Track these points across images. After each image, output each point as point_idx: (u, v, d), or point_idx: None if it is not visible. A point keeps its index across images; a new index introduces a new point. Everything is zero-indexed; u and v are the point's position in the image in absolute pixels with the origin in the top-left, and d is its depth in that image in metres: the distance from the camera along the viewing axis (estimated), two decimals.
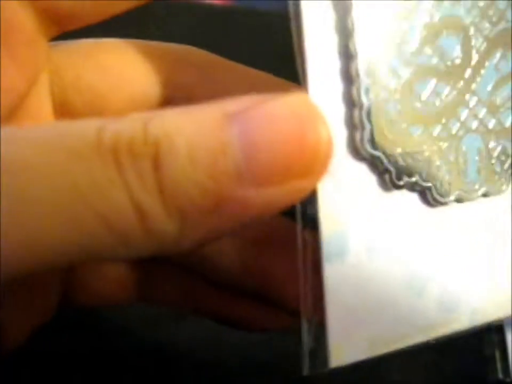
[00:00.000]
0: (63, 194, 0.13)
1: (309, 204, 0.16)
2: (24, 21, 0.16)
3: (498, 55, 0.17)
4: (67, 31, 0.17)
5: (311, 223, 0.16)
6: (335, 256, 0.16)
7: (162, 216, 0.13)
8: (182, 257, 0.20)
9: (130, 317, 0.25)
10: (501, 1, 0.17)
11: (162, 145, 0.13)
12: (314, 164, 0.14)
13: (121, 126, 0.14)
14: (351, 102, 0.15)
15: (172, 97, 0.19)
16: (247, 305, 0.20)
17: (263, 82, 0.20)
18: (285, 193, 0.14)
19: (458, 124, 0.17)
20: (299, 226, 0.16)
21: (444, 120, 0.16)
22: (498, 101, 0.17)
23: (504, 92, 0.17)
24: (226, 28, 0.31)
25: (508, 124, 0.17)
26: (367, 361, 0.17)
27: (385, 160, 0.16)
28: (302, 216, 0.16)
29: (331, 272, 0.16)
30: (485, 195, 0.17)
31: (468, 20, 0.17)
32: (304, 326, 0.16)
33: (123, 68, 0.19)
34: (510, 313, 0.18)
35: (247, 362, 0.25)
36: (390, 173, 0.16)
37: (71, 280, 0.20)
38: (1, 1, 0.16)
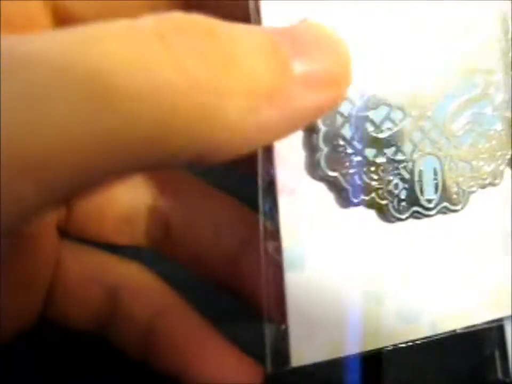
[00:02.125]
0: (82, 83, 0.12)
1: (271, 218, 0.18)
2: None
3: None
4: None
5: (273, 235, 0.18)
6: (295, 266, 0.17)
7: (227, 92, 0.13)
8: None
9: None
10: None
11: (214, 26, 0.14)
12: (348, 74, 0.16)
13: (157, 16, 0.13)
14: (310, 126, 0.17)
15: None
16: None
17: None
18: (326, 100, 0.15)
19: (412, 146, 0.18)
20: (261, 238, 0.18)
21: (398, 143, 0.18)
22: (454, 126, 0.19)
23: (461, 118, 0.19)
24: None
25: (465, 148, 0.19)
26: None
27: (341, 180, 0.17)
28: (264, 229, 0.18)
29: (291, 280, 0.17)
30: (442, 212, 0.19)
31: None
32: (267, 328, 0.18)
33: None
34: (473, 322, 0.19)
35: None
36: (347, 191, 0.18)
37: (50, 298, 0.21)
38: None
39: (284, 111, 0.15)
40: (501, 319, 0.20)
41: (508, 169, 0.19)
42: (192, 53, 0.13)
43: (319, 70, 0.15)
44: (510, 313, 0.20)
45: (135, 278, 0.21)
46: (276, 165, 0.17)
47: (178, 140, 0.13)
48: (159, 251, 0.22)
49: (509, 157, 0.19)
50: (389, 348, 0.18)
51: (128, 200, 0.21)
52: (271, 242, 0.18)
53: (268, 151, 0.17)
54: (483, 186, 0.19)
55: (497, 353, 0.21)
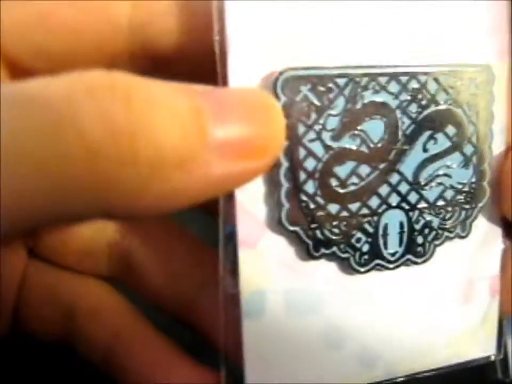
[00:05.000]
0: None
1: (231, 266, 0.18)
2: None
3: (426, 136, 0.18)
4: None
5: (232, 283, 0.18)
6: (254, 314, 0.18)
7: (129, 161, 0.13)
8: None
9: None
10: (432, 86, 0.18)
11: (132, 90, 0.14)
12: (274, 145, 0.16)
13: (73, 76, 0.14)
14: (273, 183, 0.17)
15: None
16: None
17: None
18: (243, 171, 0.15)
19: (379, 201, 0.18)
20: (221, 286, 0.18)
21: (364, 198, 0.18)
22: (423, 179, 0.18)
23: (430, 171, 0.18)
24: None
25: (432, 201, 0.18)
26: None
27: (302, 235, 0.17)
28: (224, 277, 0.18)
29: (249, 327, 0.18)
30: (406, 265, 0.19)
31: (394, 104, 0.18)
32: (224, 374, 0.18)
33: None
34: (425, 367, 0.20)
35: None
36: (308, 245, 0.18)
37: (17, 313, 0.21)
38: None
39: (196, 179, 0.14)
40: (468, 362, 0.20)
41: (477, 221, 0.19)
42: (98, 120, 0.13)
43: (240, 139, 0.15)
44: (474, 357, 0.20)
45: (92, 299, 0.21)
46: (237, 217, 0.17)
47: (76, 202, 0.13)
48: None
49: (478, 209, 0.19)
50: None
51: (90, 234, 0.22)
52: (229, 289, 0.18)
53: (229, 201, 0.17)
54: (450, 239, 0.19)
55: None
